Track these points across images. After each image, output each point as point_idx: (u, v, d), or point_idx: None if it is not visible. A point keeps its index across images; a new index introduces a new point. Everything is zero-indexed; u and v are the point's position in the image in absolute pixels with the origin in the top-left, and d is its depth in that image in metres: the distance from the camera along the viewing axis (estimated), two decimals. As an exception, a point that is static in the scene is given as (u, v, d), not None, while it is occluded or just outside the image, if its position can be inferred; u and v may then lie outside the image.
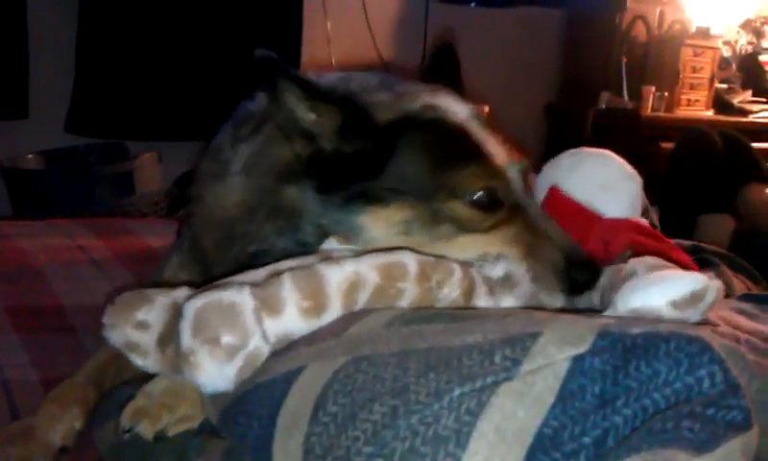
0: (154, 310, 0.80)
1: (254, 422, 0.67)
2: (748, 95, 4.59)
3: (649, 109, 4.08)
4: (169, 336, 0.77)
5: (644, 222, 1.04)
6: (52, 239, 1.74)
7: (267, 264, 0.82)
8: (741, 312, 0.82)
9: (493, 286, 0.82)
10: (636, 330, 0.59)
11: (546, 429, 0.53)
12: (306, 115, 0.88)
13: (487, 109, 3.49)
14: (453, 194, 0.88)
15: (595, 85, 4.21)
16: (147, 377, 0.88)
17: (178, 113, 2.97)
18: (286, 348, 0.71)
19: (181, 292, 0.81)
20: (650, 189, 1.67)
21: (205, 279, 0.95)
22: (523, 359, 0.57)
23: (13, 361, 1.19)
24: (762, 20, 4.86)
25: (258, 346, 0.70)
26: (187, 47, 2.98)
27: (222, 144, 1.01)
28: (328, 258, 0.77)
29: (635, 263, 0.83)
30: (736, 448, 0.51)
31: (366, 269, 0.73)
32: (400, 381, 0.59)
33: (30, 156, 2.86)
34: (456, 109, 0.94)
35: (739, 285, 1.22)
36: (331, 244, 0.88)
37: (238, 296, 0.70)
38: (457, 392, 0.56)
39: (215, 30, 3.02)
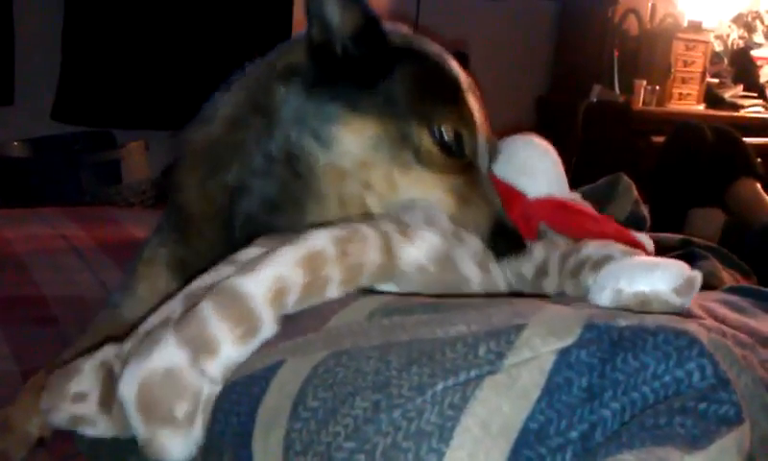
0: (85, 378, 0.78)
1: (233, 418, 0.65)
2: (739, 90, 4.60)
3: (640, 103, 4.08)
4: (108, 397, 0.75)
5: (571, 198, 1.05)
6: (35, 228, 1.72)
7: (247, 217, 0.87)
8: (728, 304, 0.81)
9: (411, 233, 0.79)
10: (623, 323, 0.57)
11: (532, 424, 0.52)
12: (335, 8, 0.90)
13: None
14: (425, 122, 0.90)
15: (587, 79, 4.21)
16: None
17: (165, 102, 2.95)
18: (264, 341, 0.69)
19: (108, 351, 0.79)
20: (641, 183, 1.67)
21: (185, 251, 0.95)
22: (508, 352, 0.55)
23: (-7, 352, 1.17)
24: (754, 15, 4.87)
25: (211, 391, 0.68)
26: (175, 34, 2.96)
27: (217, 95, 1.00)
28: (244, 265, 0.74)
29: (599, 246, 0.80)
30: (731, 443, 0.49)
31: (286, 269, 0.70)
32: (382, 375, 0.57)
33: (15, 143, 2.83)
34: (457, 69, 0.98)
35: (729, 279, 1.22)
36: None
37: (170, 356, 0.66)
38: (440, 386, 0.54)
39: (203, 16, 3.00)
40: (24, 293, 1.38)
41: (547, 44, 4.56)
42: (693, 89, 4.33)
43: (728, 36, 4.81)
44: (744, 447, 0.52)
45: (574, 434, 0.52)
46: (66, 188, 2.65)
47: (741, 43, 4.86)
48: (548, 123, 4.33)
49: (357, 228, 0.75)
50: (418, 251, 0.77)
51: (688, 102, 4.32)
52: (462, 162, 0.93)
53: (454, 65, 0.98)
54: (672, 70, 4.21)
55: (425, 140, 0.90)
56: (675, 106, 4.23)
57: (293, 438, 0.58)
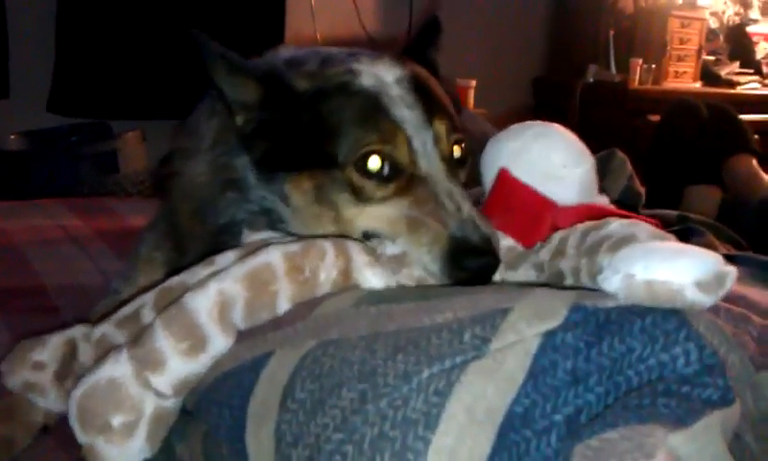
0: (47, 350, 0.82)
1: (226, 411, 0.67)
2: (735, 67, 4.57)
3: (637, 82, 4.06)
4: (65, 372, 0.80)
5: (601, 202, 0.96)
6: (34, 220, 1.73)
7: (236, 235, 0.89)
8: None
9: (378, 258, 0.79)
10: (610, 304, 0.57)
11: (517, 408, 0.53)
12: (233, 89, 0.92)
13: (474, 83, 3.48)
14: (348, 159, 0.88)
15: (583, 59, 4.19)
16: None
17: (161, 91, 2.93)
18: (253, 333, 0.71)
19: (77, 330, 0.84)
20: (637, 162, 1.67)
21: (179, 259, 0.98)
22: (492, 337, 0.56)
23: (-5, 342, 1.18)
24: (750, -10, 4.84)
25: (158, 405, 0.69)
26: (170, 24, 2.94)
27: (198, 119, 1.03)
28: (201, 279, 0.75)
29: (626, 225, 0.73)
30: (715, 423, 0.50)
31: (230, 284, 0.70)
32: (368, 365, 0.58)
33: (12, 136, 2.82)
34: (379, 74, 0.92)
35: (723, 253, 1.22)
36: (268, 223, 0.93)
37: (115, 369, 0.68)
38: (426, 373, 0.55)
39: (198, 5, 2.98)
40: (24, 283, 1.39)
41: (543, 25, 4.53)
42: (689, 67, 4.31)
43: (723, 12, 4.78)
44: (730, 426, 0.53)
45: (559, 417, 0.53)
46: (64, 180, 2.65)
47: (737, 20, 4.82)
48: (545, 104, 4.32)
49: (315, 243, 0.76)
50: (377, 280, 0.76)
51: (684, 80, 4.30)
52: (402, 181, 0.88)
53: (372, 74, 0.92)
54: (668, 48, 4.18)
55: (354, 178, 0.88)
56: (671, 84, 4.21)
57: (283, 430, 0.59)
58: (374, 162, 0.87)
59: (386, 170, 0.88)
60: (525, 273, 0.81)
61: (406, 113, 0.89)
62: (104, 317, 0.83)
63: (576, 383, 0.54)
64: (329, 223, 0.90)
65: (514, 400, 0.53)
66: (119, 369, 0.68)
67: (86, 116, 2.96)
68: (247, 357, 0.67)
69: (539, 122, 0.97)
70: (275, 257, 0.73)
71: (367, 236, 0.88)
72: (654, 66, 4.10)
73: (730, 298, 0.70)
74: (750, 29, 4.75)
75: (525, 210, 0.88)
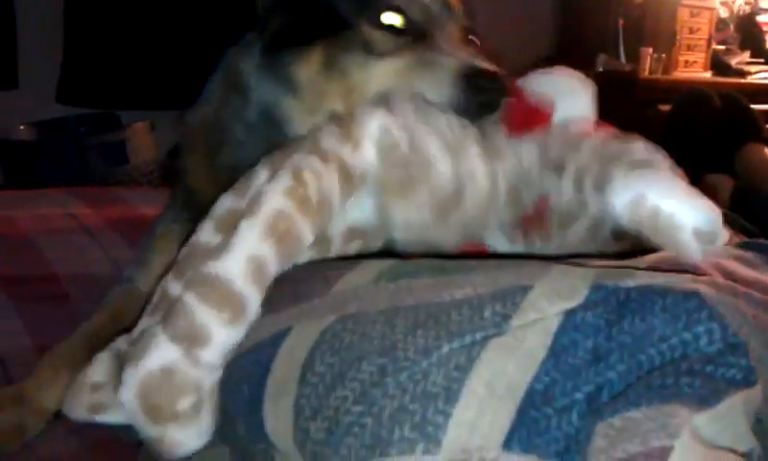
0: (99, 368, 0.81)
1: (244, 386, 0.66)
2: (746, 56, 4.55)
3: (647, 71, 4.05)
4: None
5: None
6: (44, 209, 1.73)
7: None
8: (741, 260, 0.80)
9: (355, 134, 0.75)
10: (631, 283, 0.57)
11: (538, 385, 0.52)
12: None
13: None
14: (363, 16, 0.89)
15: (592, 48, 4.17)
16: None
17: (170, 81, 2.93)
18: (271, 309, 0.70)
19: (119, 343, 0.82)
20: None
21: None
22: (513, 314, 0.55)
23: (7, 328, 1.19)
24: (761, -20, 4.81)
25: (213, 378, 0.69)
26: (179, 13, 2.94)
27: (213, 82, 1.02)
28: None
29: (650, 151, 0.73)
30: (738, 403, 0.50)
31: (256, 245, 0.69)
32: (388, 339, 0.57)
33: (21, 127, 2.83)
34: None
35: (734, 239, 1.21)
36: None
37: (162, 356, 0.67)
38: (446, 348, 0.55)
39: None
40: (36, 271, 1.40)
41: (551, 15, 4.52)
42: (699, 57, 4.29)
43: (733, 1, 4.75)
44: (752, 407, 0.52)
45: (580, 395, 0.52)
46: (73, 170, 2.66)
47: (747, 9, 4.79)
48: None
49: (301, 164, 0.72)
50: (368, 151, 0.74)
51: (694, 69, 4.28)
52: (414, 35, 0.90)
53: None
54: (678, 37, 4.16)
55: (368, 32, 0.89)
56: (681, 73, 4.19)
57: (302, 403, 0.58)
58: (389, 17, 0.89)
59: (401, 24, 0.89)
60: (528, 151, 0.80)
61: None
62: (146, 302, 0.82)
63: (597, 361, 0.53)
64: (337, 96, 0.89)
65: (534, 377, 0.52)
66: (166, 354, 0.66)
67: (95, 107, 2.96)
68: (265, 334, 0.67)
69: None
70: (279, 202, 0.70)
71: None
72: (664, 56, 4.09)
73: (749, 282, 0.70)
74: (760, 18, 4.72)
75: (521, 104, 0.88)
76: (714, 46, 4.39)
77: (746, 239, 1.30)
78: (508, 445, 0.51)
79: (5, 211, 1.67)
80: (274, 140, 0.90)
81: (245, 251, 0.68)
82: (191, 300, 0.67)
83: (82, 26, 2.88)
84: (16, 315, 1.23)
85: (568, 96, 0.91)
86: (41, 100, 2.87)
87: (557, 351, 0.54)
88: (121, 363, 0.77)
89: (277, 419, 0.61)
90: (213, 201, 0.94)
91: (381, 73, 0.88)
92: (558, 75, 0.94)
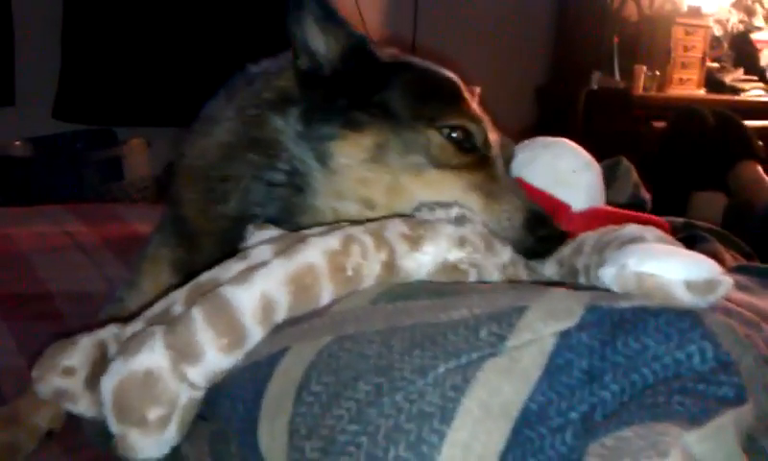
0: (77, 353, 0.80)
1: (239, 405, 0.66)
2: (740, 74, 4.58)
3: (641, 89, 4.06)
4: (96, 376, 0.75)
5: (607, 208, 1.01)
6: (39, 226, 1.73)
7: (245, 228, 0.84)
8: (735, 284, 0.81)
9: (421, 239, 0.76)
10: (624, 305, 0.58)
11: (532, 405, 0.53)
12: (318, 35, 0.92)
13: (478, 90, 3.49)
14: (431, 123, 0.90)
15: (587, 66, 4.19)
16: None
17: (166, 98, 2.94)
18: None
19: (107, 331, 0.81)
20: (642, 168, 1.67)
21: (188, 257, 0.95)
22: (509, 335, 0.56)
23: (1, 348, 1.18)
24: (754, -2, 4.84)
25: (190, 396, 0.69)
26: (175, 31, 2.95)
27: (213, 105, 1.00)
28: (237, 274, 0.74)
29: (639, 230, 0.76)
30: (729, 421, 0.50)
31: (274, 287, 0.69)
32: (384, 359, 0.58)
33: (17, 143, 2.82)
34: (451, 74, 0.98)
35: (731, 261, 1.22)
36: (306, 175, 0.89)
37: (152, 359, 0.67)
38: (442, 368, 0.55)
39: (203, 12, 2.99)
40: (29, 289, 1.39)
41: (546, 33, 4.53)
42: (693, 74, 4.31)
43: (727, 20, 4.78)
44: (743, 426, 0.52)
45: (574, 415, 0.53)
46: (69, 186, 2.66)
47: (741, 27, 4.83)
48: (549, 112, 4.32)
49: (355, 237, 0.74)
50: (428, 258, 0.75)
51: (689, 87, 4.30)
52: (476, 157, 0.92)
53: (447, 71, 0.98)
54: (672, 55, 4.19)
55: (435, 140, 0.90)
56: (675, 91, 4.21)
57: (298, 423, 0.58)
58: (459, 133, 0.91)
59: (466, 143, 0.91)
60: (550, 267, 0.85)
61: (478, 109, 0.96)
62: (125, 318, 0.82)
63: (591, 381, 0.53)
64: (378, 188, 0.89)
65: (529, 396, 0.53)
66: (155, 359, 0.67)
67: (91, 123, 2.96)
68: (262, 353, 0.67)
69: (547, 137, 1.03)
70: (316, 258, 0.71)
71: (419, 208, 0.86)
72: (658, 73, 4.11)
73: (742, 304, 0.71)
74: (754, 36, 4.75)
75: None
76: (708, 64, 4.41)
77: (740, 258, 1.31)
78: (503, 464, 0.51)
79: (0, 228, 1.67)
80: (293, 207, 0.91)
81: (262, 288, 0.69)
82: (198, 316, 0.68)
83: (79, 43, 2.89)
84: (9, 334, 1.22)
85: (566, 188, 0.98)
86: (38, 116, 2.87)
87: (552, 371, 0.54)
88: (101, 353, 0.78)
89: (272, 438, 0.61)
90: (207, 236, 0.95)
91: (442, 184, 0.89)
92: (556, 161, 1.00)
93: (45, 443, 0.94)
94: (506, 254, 0.81)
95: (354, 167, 0.89)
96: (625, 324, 0.56)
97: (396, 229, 0.76)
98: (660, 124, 3.36)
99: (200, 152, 0.97)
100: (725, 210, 2.24)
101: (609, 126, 3.91)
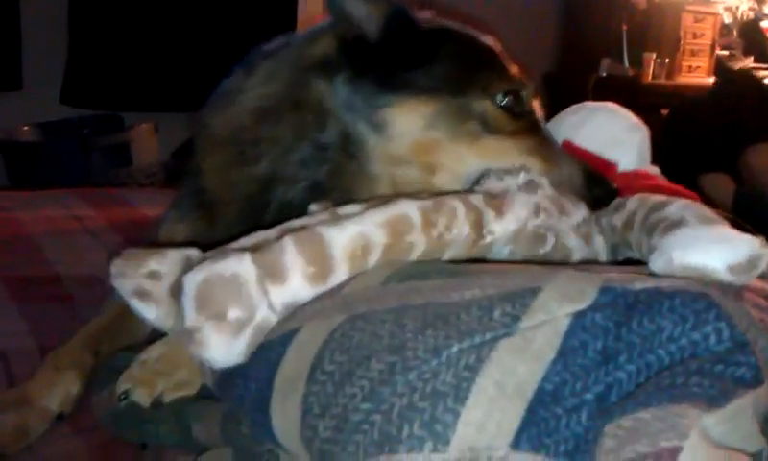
0: (166, 261, 0.76)
1: (252, 384, 0.66)
2: (749, 62, 4.55)
3: (650, 76, 4.06)
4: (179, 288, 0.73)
5: (654, 170, 1.06)
6: (48, 210, 1.73)
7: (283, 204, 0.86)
8: None
9: (504, 206, 0.78)
10: (639, 286, 0.57)
11: (547, 385, 0.52)
12: (359, 3, 0.91)
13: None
14: (484, 93, 0.92)
15: (595, 53, 4.18)
16: (144, 344, 0.88)
17: (174, 83, 2.94)
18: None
19: (193, 251, 0.78)
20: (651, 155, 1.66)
21: (209, 231, 0.94)
22: (523, 315, 0.56)
23: (10, 329, 1.18)
24: (764, -15, 4.81)
25: (265, 317, 0.67)
26: (183, 15, 2.95)
27: (233, 80, 0.99)
28: (328, 219, 0.73)
29: (680, 208, 0.79)
30: (747, 404, 0.50)
31: (370, 228, 0.70)
32: (397, 338, 0.57)
33: (25, 128, 2.83)
34: (488, 40, 1.00)
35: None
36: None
37: (240, 266, 0.66)
38: (455, 348, 0.55)
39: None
40: (39, 272, 1.40)
41: (555, 20, 4.52)
42: (703, 62, 4.30)
43: (737, 7, 4.76)
44: (761, 407, 0.52)
45: (589, 395, 0.52)
46: (77, 172, 2.66)
47: (751, 15, 4.80)
48: (557, 99, 4.30)
49: (445, 200, 0.74)
50: (511, 223, 0.77)
51: (698, 74, 4.29)
52: (527, 122, 0.95)
53: (484, 37, 1.00)
54: (681, 43, 4.18)
55: (489, 108, 0.92)
56: (684, 79, 4.20)
57: (310, 401, 0.58)
58: (511, 101, 0.93)
59: (518, 109, 0.94)
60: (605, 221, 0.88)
61: (517, 69, 0.98)
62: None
63: (606, 362, 0.53)
64: (439, 154, 0.91)
65: (543, 377, 0.53)
66: (243, 267, 0.66)
67: (99, 108, 2.97)
68: (274, 333, 0.66)
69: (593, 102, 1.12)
70: (411, 210, 0.71)
71: (472, 179, 0.89)
72: (667, 61, 4.10)
73: (756, 290, 0.71)
74: (764, 24, 4.72)
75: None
76: (718, 51, 4.39)
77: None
78: (517, 444, 0.51)
79: (9, 213, 1.67)
80: (345, 172, 0.91)
81: (357, 228, 0.69)
82: (288, 243, 0.68)
83: (86, 27, 2.89)
84: (20, 316, 1.22)
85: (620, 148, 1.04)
86: (45, 101, 2.88)
87: (566, 351, 0.54)
88: (189, 267, 0.74)
89: (285, 417, 0.61)
90: (230, 205, 0.94)
91: (500, 150, 0.92)
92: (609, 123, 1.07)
93: (56, 425, 0.94)
94: (579, 214, 0.85)
95: (413, 133, 0.90)
96: (639, 305, 0.56)
97: (477, 196, 0.78)
98: (668, 112, 3.34)
99: (227, 119, 0.95)
100: (735, 196, 2.22)
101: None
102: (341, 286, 0.68)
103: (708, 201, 1.67)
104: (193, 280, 0.66)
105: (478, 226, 0.75)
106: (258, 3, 2.99)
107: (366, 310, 0.62)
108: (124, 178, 2.61)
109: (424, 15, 1.00)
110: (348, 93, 0.91)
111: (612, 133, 1.03)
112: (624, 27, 4.14)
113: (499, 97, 0.92)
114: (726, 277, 0.64)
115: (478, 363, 0.53)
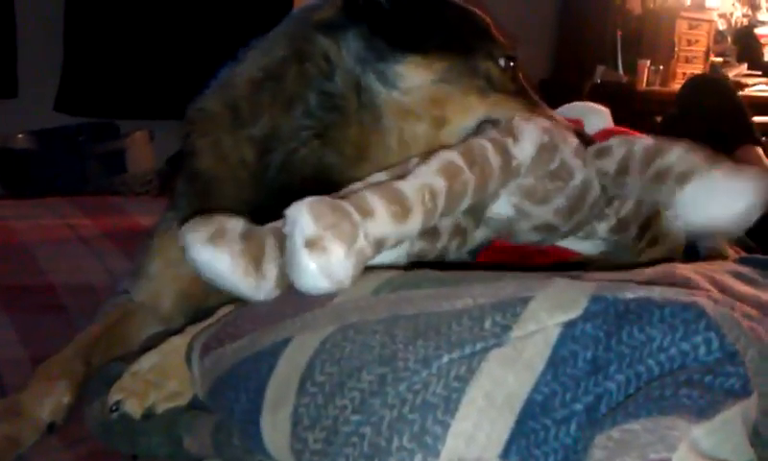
0: (230, 220, 0.76)
1: (242, 395, 0.66)
2: (743, 68, 4.57)
3: (644, 83, 4.06)
4: (251, 235, 0.75)
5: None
6: (42, 218, 1.73)
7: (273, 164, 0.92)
8: (738, 276, 0.81)
9: (517, 132, 0.85)
10: (630, 295, 0.57)
11: (537, 396, 0.52)
12: None
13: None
14: (489, 56, 0.99)
15: (590, 60, 4.19)
16: (136, 354, 0.88)
17: (169, 91, 2.93)
18: (271, 321, 0.69)
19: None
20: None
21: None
22: (513, 325, 0.56)
23: (2, 339, 1.17)
24: (758, -7, 4.83)
25: (363, 247, 0.69)
26: (178, 22, 2.95)
27: (228, 66, 1.01)
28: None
29: (687, 156, 0.85)
30: (736, 415, 0.50)
31: (431, 177, 0.75)
32: (388, 349, 0.58)
33: (20, 135, 2.82)
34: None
35: (734, 256, 1.21)
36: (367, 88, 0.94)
37: (336, 201, 0.69)
38: (446, 358, 0.55)
39: (205, 4, 2.99)
40: (32, 281, 1.39)
41: (550, 26, 4.53)
42: (697, 69, 4.30)
43: (731, 14, 4.77)
44: (749, 418, 0.52)
45: (579, 406, 0.52)
46: (71, 179, 2.66)
47: (745, 21, 4.82)
48: (553, 105, 4.30)
49: (473, 142, 0.81)
50: (528, 144, 0.83)
51: (693, 82, 4.29)
52: (519, 86, 1.02)
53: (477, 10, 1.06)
54: (676, 50, 4.18)
55: (493, 69, 0.99)
56: (679, 85, 4.19)
57: (301, 413, 0.58)
58: (507, 64, 1.01)
59: (512, 74, 1.02)
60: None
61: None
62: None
63: (596, 372, 0.53)
64: (450, 108, 0.96)
65: (533, 388, 0.53)
66: (341, 203, 0.69)
67: (94, 116, 2.96)
68: (265, 344, 0.66)
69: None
70: (453, 155, 0.78)
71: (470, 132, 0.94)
72: (662, 68, 4.11)
73: (746, 297, 0.71)
74: (758, 31, 4.74)
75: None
76: (712, 58, 4.41)
77: (743, 252, 1.31)
78: (506, 456, 0.51)
79: (2, 221, 1.67)
80: (352, 122, 0.94)
81: (421, 179, 0.74)
82: (366, 192, 0.72)
83: (81, 35, 2.89)
84: (11, 325, 1.21)
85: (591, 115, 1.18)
86: (40, 109, 2.87)
87: (556, 362, 0.54)
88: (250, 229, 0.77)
89: (275, 429, 0.60)
90: (228, 182, 0.95)
91: (506, 103, 0.99)
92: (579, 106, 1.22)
93: (47, 435, 0.93)
94: (575, 141, 0.90)
95: (426, 87, 0.95)
96: (629, 314, 0.56)
97: (491, 133, 0.85)
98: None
99: (222, 95, 0.98)
100: None
101: (612, 120, 3.90)
102: (331, 296, 0.68)
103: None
104: (303, 205, 0.68)
105: (506, 153, 0.81)
106: (253, 11, 2.99)
107: (357, 320, 0.62)
108: (119, 185, 2.60)
109: None
110: (361, 48, 0.94)
111: (582, 109, 1.18)
112: (619, 34, 4.15)
113: (500, 60, 1.00)
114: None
115: (468, 374, 0.53)
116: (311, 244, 0.66)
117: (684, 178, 0.81)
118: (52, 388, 0.93)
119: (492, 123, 0.92)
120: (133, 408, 0.81)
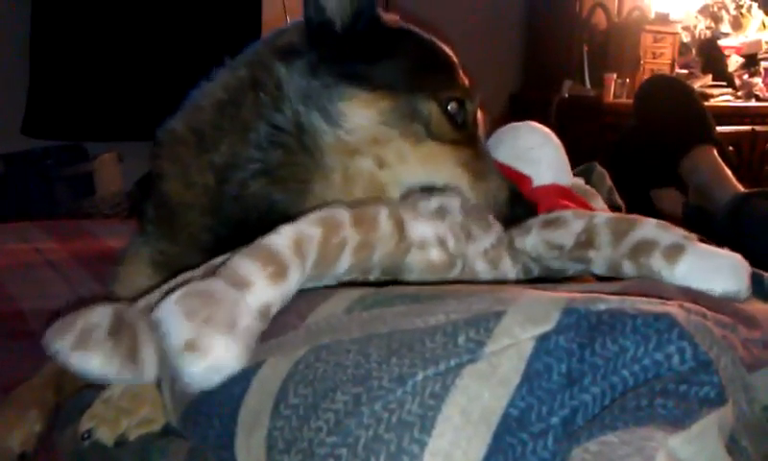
0: (95, 314, 0.75)
1: (215, 420, 0.65)
2: (708, 80, 4.64)
3: (611, 96, 4.11)
4: (118, 328, 0.72)
5: (574, 184, 1.12)
6: (9, 243, 1.70)
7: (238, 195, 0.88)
8: None
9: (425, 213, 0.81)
10: (602, 307, 0.57)
11: (513, 410, 0.52)
12: None
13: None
14: (433, 95, 0.93)
15: (558, 74, 4.23)
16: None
17: (137, 112, 2.92)
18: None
19: (119, 305, 0.77)
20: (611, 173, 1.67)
21: (167, 254, 0.94)
22: (487, 340, 0.55)
23: (-30, 367, 1.15)
24: (719, 5, 4.91)
25: (247, 324, 0.66)
26: (145, 43, 2.93)
27: (197, 89, 1.00)
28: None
29: (662, 230, 0.79)
30: (712, 423, 0.50)
31: (304, 226, 0.71)
32: (362, 368, 0.57)
33: (-14, 159, 2.79)
34: (447, 49, 1.02)
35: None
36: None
37: (207, 284, 0.66)
38: (420, 376, 0.54)
39: (172, 23, 2.98)
40: (1, 308, 1.36)
41: (518, 41, 4.58)
42: (663, 80, 4.36)
43: (695, 26, 4.85)
44: (726, 426, 0.52)
45: (555, 419, 0.52)
46: (40, 203, 2.63)
47: (708, 33, 4.90)
48: (522, 119, 4.35)
49: (368, 206, 0.76)
50: (427, 228, 0.78)
51: (659, 93, 4.35)
52: (466, 134, 0.96)
53: (444, 45, 1.02)
54: (641, 62, 4.24)
55: (435, 112, 0.93)
56: (645, 98, 4.26)
57: (275, 436, 0.57)
58: (455, 109, 0.95)
59: (459, 119, 0.95)
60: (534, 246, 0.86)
61: (470, 83, 1.00)
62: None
63: (571, 385, 0.53)
64: (390, 150, 0.91)
65: (509, 402, 0.52)
66: (212, 284, 0.66)
67: (61, 139, 2.94)
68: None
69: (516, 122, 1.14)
70: (339, 210, 0.74)
71: (424, 187, 0.91)
72: (628, 80, 4.16)
73: (716, 305, 0.71)
74: (721, 42, 4.83)
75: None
76: (677, 70, 4.47)
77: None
78: (484, 472, 0.50)
79: (-30, 246, 1.64)
80: (298, 160, 0.91)
81: (293, 231, 0.70)
82: (236, 257, 0.68)
83: (47, 58, 2.87)
84: (-20, 353, 1.20)
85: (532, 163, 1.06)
86: (7, 132, 2.84)
87: (531, 375, 0.54)
88: (119, 314, 0.75)
89: (250, 453, 0.60)
90: (191, 209, 0.94)
91: (437, 157, 0.93)
92: (521, 139, 1.10)
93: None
94: (487, 239, 0.84)
95: (369, 127, 0.91)
96: (602, 326, 0.56)
97: (397, 206, 0.80)
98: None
99: (190, 118, 0.97)
100: (684, 212, 2.17)
101: (580, 132, 3.94)
102: (303, 317, 0.68)
103: (660, 215, 1.69)
104: (172, 300, 0.64)
105: (399, 225, 0.76)
106: (222, 31, 2.99)
107: (330, 341, 0.62)
108: (88, 208, 2.58)
109: (391, 17, 1.02)
110: (306, 81, 0.92)
111: (519, 150, 1.06)
112: (585, 48, 4.20)
113: (445, 102, 0.94)
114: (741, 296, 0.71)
115: (443, 391, 0.53)
116: (190, 347, 0.62)
117: (672, 254, 0.75)
118: (22, 417, 0.92)
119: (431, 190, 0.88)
120: (106, 436, 0.79)
